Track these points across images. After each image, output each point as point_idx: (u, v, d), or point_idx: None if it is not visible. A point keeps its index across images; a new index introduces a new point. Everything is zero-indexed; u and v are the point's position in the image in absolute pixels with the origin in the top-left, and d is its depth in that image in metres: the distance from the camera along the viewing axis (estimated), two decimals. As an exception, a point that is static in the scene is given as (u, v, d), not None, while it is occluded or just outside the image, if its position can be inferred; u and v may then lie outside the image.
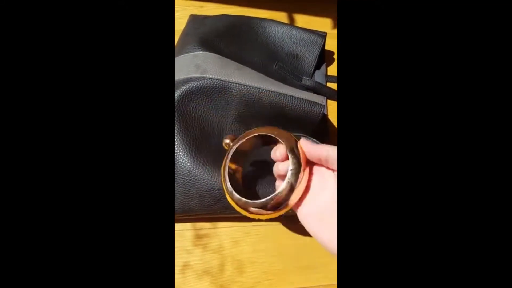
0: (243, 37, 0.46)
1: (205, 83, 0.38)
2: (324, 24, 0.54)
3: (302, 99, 0.39)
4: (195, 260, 0.39)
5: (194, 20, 0.48)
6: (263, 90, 0.39)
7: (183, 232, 0.40)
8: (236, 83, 0.38)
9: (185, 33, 0.46)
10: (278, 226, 0.41)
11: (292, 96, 0.39)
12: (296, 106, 0.39)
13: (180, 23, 0.48)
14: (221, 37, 0.44)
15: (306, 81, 0.46)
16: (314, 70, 0.48)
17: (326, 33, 0.49)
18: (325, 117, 0.45)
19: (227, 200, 0.34)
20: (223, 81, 0.38)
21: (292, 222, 0.41)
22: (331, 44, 0.50)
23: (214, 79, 0.38)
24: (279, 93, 0.39)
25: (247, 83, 0.39)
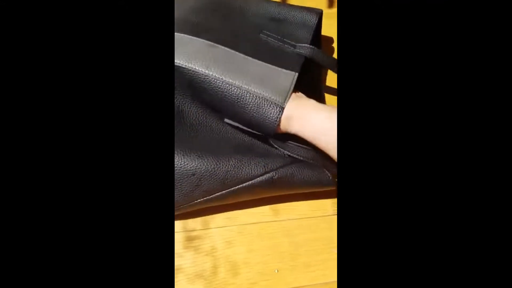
0: (225, 14, 0.42)
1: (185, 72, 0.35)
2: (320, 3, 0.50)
3: (258, 95, 0.34)
4: (187, 263, 0.37)
5: None
6: (209, 76, 0.34)
7: (173, 234, 0.38)
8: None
9: None
10: (273, 224, 0.39)
11: (244, 89, 0.34)
12: (248, 103, 0.34)
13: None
14: (198, 13, 0.40)
15: (302, 48, 0.40)
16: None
17: (321, 10, 0.45)
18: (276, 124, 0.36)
19: (206, 183, 0.32)
20: (203, 75, 0.35)
21: (287, 219, 0.40)
22: (328, 25, 0.46)
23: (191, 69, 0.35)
24: (227, 82, 0.34)
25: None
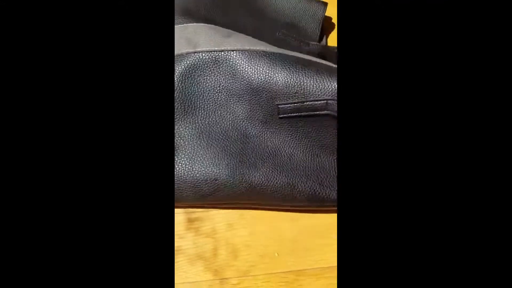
0: (236, 6, 0.42)
1: (198, 57, 0.34)
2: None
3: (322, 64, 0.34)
4: (187, 244, 0.37)
5: None
6: (269, 52, 0.34)
7: (173, 215, 0.38)
8: (233, 50, 0.34)
9: None
10: (275, 208, 0.39)
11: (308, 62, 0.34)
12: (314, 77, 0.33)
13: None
14: (209, 6, 0.40)
15: (314, 46, 0.40)
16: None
17: (327, 3, 0.44)
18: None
19: (221, 191, 0.33)
20: (220, 51, 0.34)
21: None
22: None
23: (207, 51, 0.34)
24: (291, 57, 0.34)
25: (247, 47, 0.34)
